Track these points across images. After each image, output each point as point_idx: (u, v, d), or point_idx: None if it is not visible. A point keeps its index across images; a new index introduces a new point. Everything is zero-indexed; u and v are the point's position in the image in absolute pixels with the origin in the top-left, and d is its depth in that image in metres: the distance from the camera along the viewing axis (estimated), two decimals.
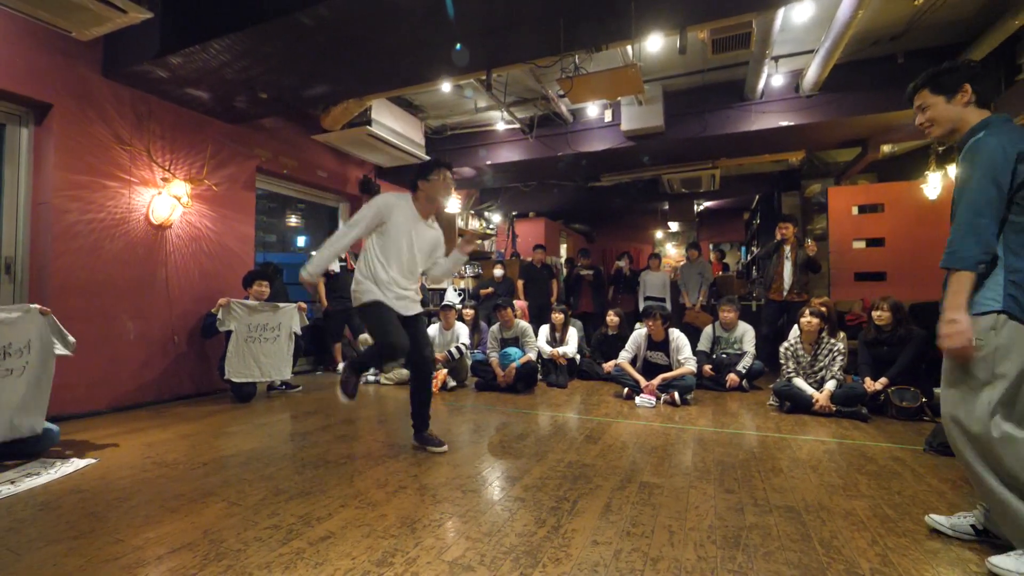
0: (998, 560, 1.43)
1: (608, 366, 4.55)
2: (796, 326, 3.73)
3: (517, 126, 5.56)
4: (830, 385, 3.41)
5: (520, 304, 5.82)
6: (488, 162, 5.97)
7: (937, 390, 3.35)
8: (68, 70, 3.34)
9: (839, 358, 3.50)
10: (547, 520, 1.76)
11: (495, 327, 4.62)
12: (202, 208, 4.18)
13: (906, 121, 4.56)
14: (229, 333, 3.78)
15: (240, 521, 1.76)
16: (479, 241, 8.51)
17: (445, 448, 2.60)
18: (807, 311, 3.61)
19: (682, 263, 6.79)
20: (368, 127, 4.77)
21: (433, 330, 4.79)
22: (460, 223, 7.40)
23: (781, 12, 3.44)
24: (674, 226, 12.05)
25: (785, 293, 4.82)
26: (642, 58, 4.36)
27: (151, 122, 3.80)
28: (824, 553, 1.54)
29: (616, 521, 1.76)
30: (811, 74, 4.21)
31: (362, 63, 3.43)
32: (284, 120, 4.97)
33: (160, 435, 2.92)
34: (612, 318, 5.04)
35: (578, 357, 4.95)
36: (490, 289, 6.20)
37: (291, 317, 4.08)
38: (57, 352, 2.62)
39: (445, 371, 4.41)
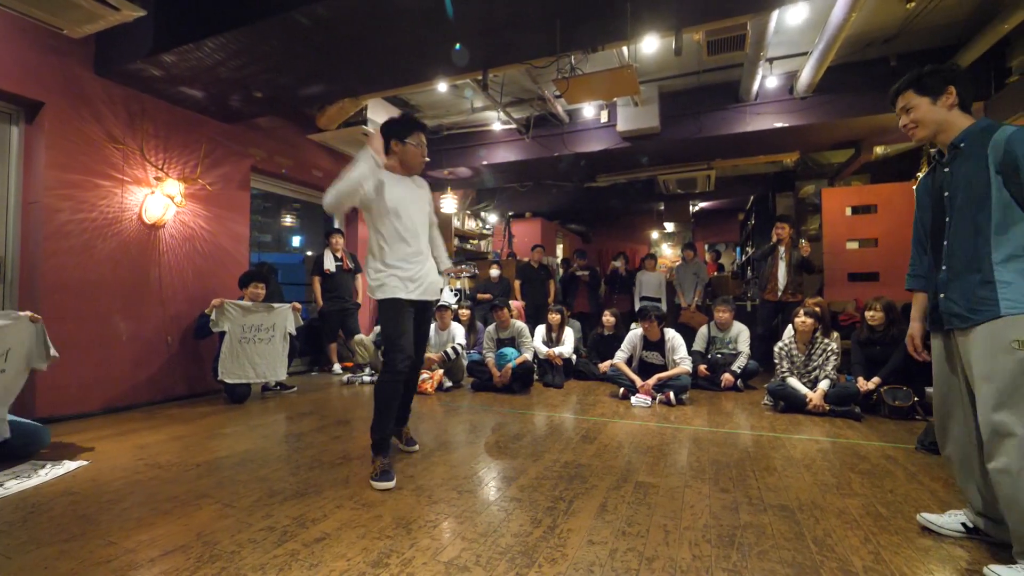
0: (1002, 571, 1.39)
1: (604, 366, 4.57)
2: (790, 326, 3.75)
3: (513, 126, 5.57)
4: (824, 385, 3.44)
5: (516, 304, 5.82)
6: (484, 162, 5.96)
7: (929, 389, 3.39)
8: (60, 68, 3.31)
9: (832, 358, 3.52)
10: (543, 520, 1.76)
11: (491, 327, 4.62)
12: (196, 208, 4.15)
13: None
14: (223, 334, 3.76)
15: (234, 523, 1.75)
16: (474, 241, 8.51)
17: (416, 448, 2.60)
18: (801, 311, 3.63)
19: (678, 263, 6.81)
20: (364, 127, 4.76)
21: (429, 330, 4.79)
22: (456, 223, 7.40)
23: (775, 14, 3.46)
24: (670, 227, 12.08)
25: (780, 293, 4.85)
26: (638, 59, 4.37)
27: (144, 121, 3.77)
28: (818, 551, 1.55)
29: (612, 521, 1.76)
30: (805, 76, 4.24)
31: (358, 63, 3.42)
32: (279, 119, 4.94)
33: (153, 436, 2.89)
34: (608, 318, 5.05)
35: (574, 357, 4.96)
36: (488, 295, 6.19)
37: (285, 318, 4.06)
38: (32, 365, 2.54)
39: (441, 371, 4.40)
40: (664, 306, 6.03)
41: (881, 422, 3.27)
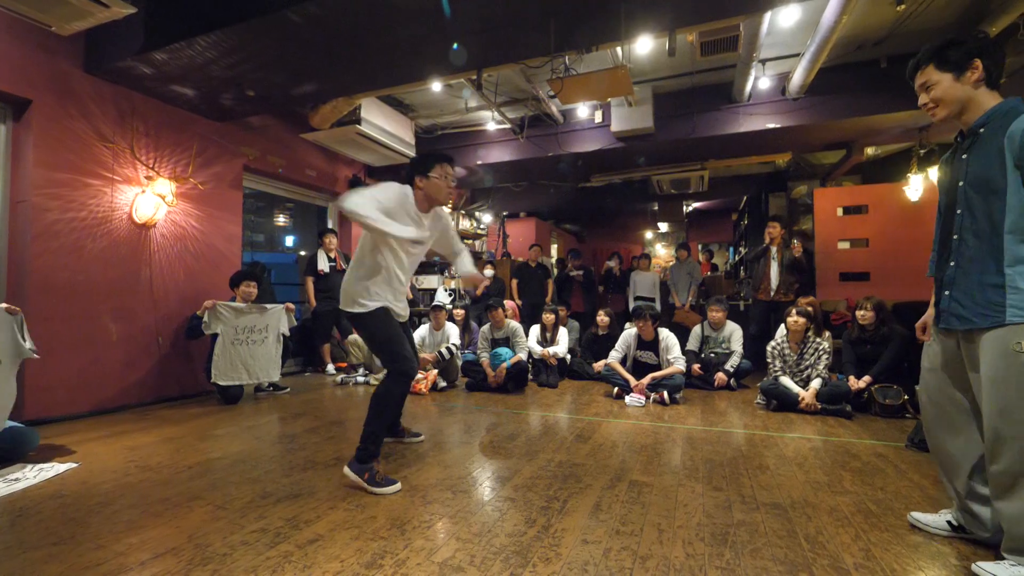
0: (991, 567, 1.39)
1: (598, 366, 4.58)
2: (783, 326, 3.78)
3: (508, 126, 5.56)
4: (815, 383, 3.47)
5: (510, 304, 5.82)
6: (479, 162, 5.96)
7: (919, 387, 3.43)
8: (48, 65, 3.27)
9: (824, 357, 3.55)
10: (537, 520, 1.77)
11: (485, 327, 4.61)
12: (188, 207, 4.11)
13: (889, 124, 4.65)
14: (215, 335, 3.72)
15: (226, 525, 1.74)
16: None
17: (422, 438, 2.69)
18: (794, 311, 3.66)
19: (672, 263, 6.84)
20: (357, 126, 4.73)
21: (423, 330, 4.78)
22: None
23: (768, 16, 3.48)
24: (664, 226, 12.14)
25: (772, 293, 4.88)
26: (632, 60, 4.39)
27: (134, 119, 3.73)
28: (809, 549, 1.56)
29: (606, 520, 1.76)
30: (797, 77, 4.27)
31: (352, 61, 3.40)
32: (272, 118, 4.91)
33: (144, 438, 2.86)
34: (602, 318, 5.06)
35: (569, 357, 4.97)
36: (485, 282, 6.13)
37: (279, 318, 4.03)
38: (23, 357, 2.48)
39: (435, 372, 4.39)
40: (658, 306, 6.06)
41: (872, 420, 3.30)
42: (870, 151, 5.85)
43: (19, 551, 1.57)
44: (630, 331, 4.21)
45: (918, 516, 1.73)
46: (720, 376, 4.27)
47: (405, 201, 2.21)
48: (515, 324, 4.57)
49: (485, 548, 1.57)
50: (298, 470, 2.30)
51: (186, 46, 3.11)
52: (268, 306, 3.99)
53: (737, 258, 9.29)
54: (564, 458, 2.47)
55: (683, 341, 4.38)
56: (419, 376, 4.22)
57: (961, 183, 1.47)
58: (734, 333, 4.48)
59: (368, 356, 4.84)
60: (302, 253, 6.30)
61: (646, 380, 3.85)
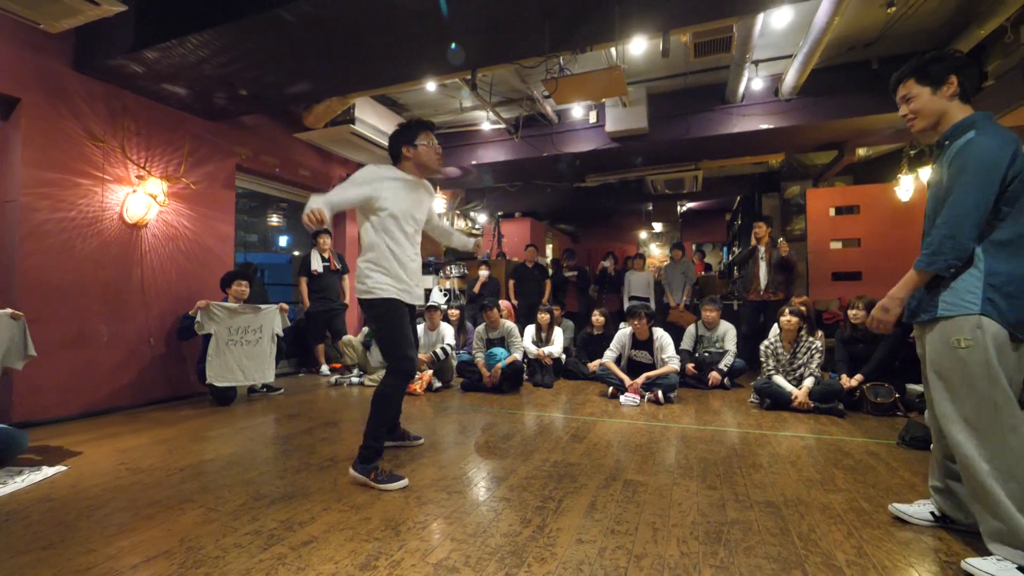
0: (979, 563, 1.41)
1: (593, 365, 4.58)
2: (776, 325, 3.80)
3: (503, 126, 5.56)
4: (808, 382, 3.49)
5: (505, 304, 5.82)
6: (474, 162, 5.95)
7: (910, 386, 3.47)
8: (37, 63, 3.23)
9: (817, 356, 3.58)
10: (532, 520, 1.77)
11: (481, 327, 4.61)
12: (180, 207, 4.08)
13: (880, 125, 4.70)
14: (208, 336, 3.70)
15: (219, 527, 1.72)
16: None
17: (422, 440, 2.68)
18: (787, 310, 3.68)
19: (666, 263, 6.87)
20: (351, 125, 4.72)
21: (419, 331, 4.76)
22: (446, 223, 7.37)
23: (761, 17, 3.50)
24: (658, 227, 12.18)
25: (762, 292, 4.93)
26: (626, 60, 4.40)
27: (125, 118, 3.69)
28: (802, 546, 1.58)
29: (601, 519, 1.77)
30: (790, 78, 4.30)
31: (345, 61, 3.39)
32: (265, 117, 4.88)
33: (135, 440, 2.84)
34: (597, 318, 5.07)
35: (564, 357, 4.97)
36: (483, 277, 6.14)
37: (273, 319, 4.00)
38: (8, 364, 2.47)
39: (430, 372, 4.38)
40: (652, 305, 6.08)
41: (864, 418, 3.33)
42: (862, 152, 5.90)
43: (7, 556, 1.55)
44: (625, 331, 4.22)
45: (900, 507, 1.77)
46: (714, 375, 4.29)
47: (381, 173, 2.21)
48: (510, 324, 4.57)
49: (480, 548, 1.56)
50: (292, 472, 2.29)
51: (178, 44, 3.09)
52: (262, 306, 3.96)
53: (731, 257, 9.34)
54: (559, 458, 2.47)
55: (677, 341, 4.40)
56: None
57: (931, 189, 1.64)
58: (728, 332, 4.50)
59: (362, 356, 4.82)
60: (296, 253, 6.27)
61: (641, 379, 3.86)
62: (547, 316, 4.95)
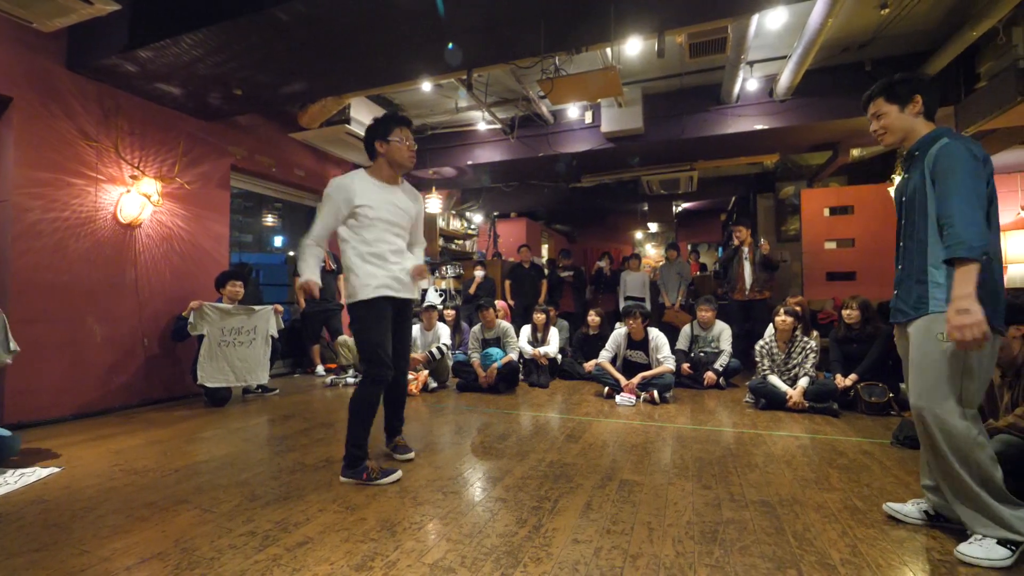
0: (965, 548, 1.49)
1: (589, 366, 4.59)
2: (771, 325, 3.82)
3: (498, 126, 5.56)
4: (803, 382, 3.51)
5: (501, 304, 5.82)
6: (469, 162, 5.95)
7: (904, 385, 3.48)
8: (29, 62, 3.21)
9: (811, 356, 3.60)
10: (528, 520, 1.77)
11: (476, 328, 4.61)
12: (174, 207, 4.06)
13: None
14: (201, 336, 3.68)
15: (214, 528, 1.72)
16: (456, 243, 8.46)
17: (412, 455, 2.47)
18: (782, 310, 3.70)
19: (661, 263, 6.89)
20: (347, 125, 4.71)
21: (415, 331, 4.76)
22: (441, 223, 7.36)
23: (756, 18, 3.52)
24: (653, 227, 12.21)
25: (747, 292, 5.00)
26: (622, 61, 4.41)
27: (119, 117, 3.67)
28: (797, 545, 1.58)
29: (596, 519, 1.77)
30: (784, 79, 4.32)
31: (340, 61, 3.38)
32: (260, 117, 4.86)
33: (129, 441, 2.82)
34: (593, 318, 5.08)
35: (559, 357, 4.98)
36: (479, 278, 6.14)
37: (267, 320, 3.98)
38: None
39: (426, 372, 4.38)
40: (648, 305, 6.10)
41: (858, 418, 3.35)
42: (856, 152, 5.94)
43: (0, 558, 1.54)
44: (620, 331, 4.23)
45: (894, 506, 1.80)
46: (709, 375, 4.31)
47: (345, 182, 2.20)
48: (506, 324, 4.57)
49: (476, 549, 1.56)
50: (287, 472, 2.28)
51: (172, 44, 3.07)
52: (256, 307, 3.95)
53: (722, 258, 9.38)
54: (555, 458, 2.47)
55: (673, 341, 4.41)
56: (410, 377, 4.20)
57: (903, 198, 1.73)
58: (723, 332, 4.52)
59: (358, 357, 4.81)
60: (291, 254, 6.24)
61: (636, 380, 3.87)
62: (542, 316, 4.95)
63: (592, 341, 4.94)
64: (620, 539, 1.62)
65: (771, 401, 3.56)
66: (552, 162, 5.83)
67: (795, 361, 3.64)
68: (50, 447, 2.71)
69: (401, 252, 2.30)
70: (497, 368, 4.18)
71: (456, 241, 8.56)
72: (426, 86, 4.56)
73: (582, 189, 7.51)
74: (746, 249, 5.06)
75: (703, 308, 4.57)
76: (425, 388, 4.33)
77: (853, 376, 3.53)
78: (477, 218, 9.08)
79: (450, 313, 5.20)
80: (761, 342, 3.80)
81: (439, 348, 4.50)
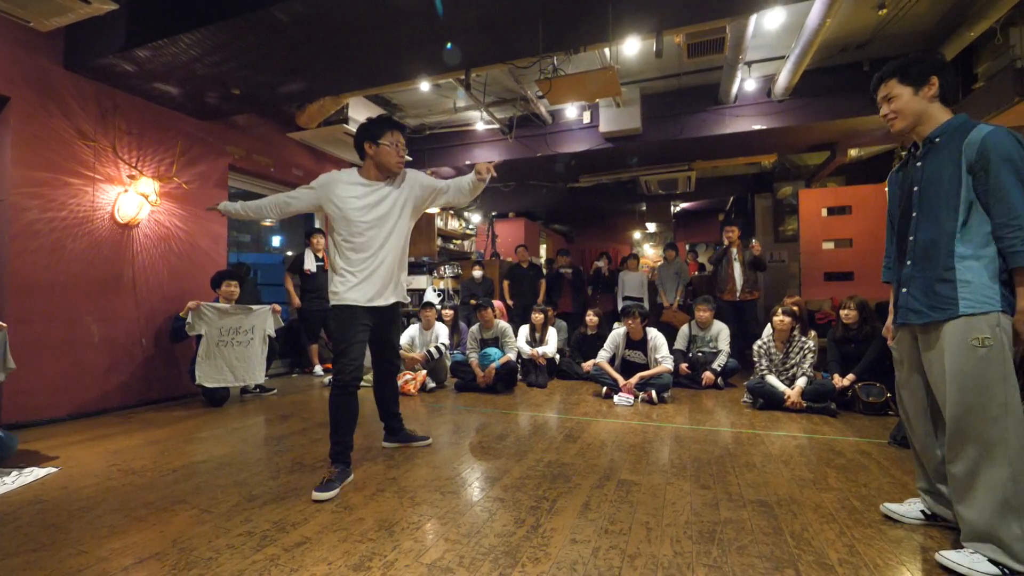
0: (950, 555, 1.45)
1: (587, 365, 4.59)
2: (769, 325, 3.83)
3: (496, 126, 5.56)
4: (801, 382, 3.51)
5: (499, 304, 5.82)
6: (468, 162, 5.95)
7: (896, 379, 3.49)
8: (26, 62, 3.20)
9: (809, 356, 3.60)
10: (526, 520, 1.77)
11: (475, 327, 4.61)
12: (172, 206, 4.05)
13: (872, 126, 4.74)
14: (199, 336, 3.67)
15: (212, 528, 1.71)
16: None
17: (429, 441, 2.68)
18: (780, 310, 3.70)
19: (659, 263, 6.89)
20: (345, 125, 4.70)
21: (413, 330, 4.76)
22: (439, 223, 7.36)
23: (754, 18, 3.53)
24: (652, 227, 12.23)
25: (738, 293, 5.02)
26: (620, 61, 4.41)
27: (117, 117, 3.66)
28: (795, 545, 1.59)
29: (594, 519, 1.77)
30: (782, 79, 4.33)
31: (339, 60, 3.38)
32: (258, 117, 4.85)
33: (127, 442, 2.81)
34: (591, 318, 5.08)
35: (557, 357, 4.98)
36: (478, 279, 6.14)
37: (264, 319, 3.98)
38: None
39: (424, 372, 4.38)
40: (646, 305, 6.10)
41: (856, 418, 3.36)
42: (853, 153, 5.95)
43: None
44: (619, 331, 4.23)
45: (891, 507, 1.79)
46: (708, 375, 4.31)
47: (332, 177, 2.27)
48: (504, 324, 4.57)
49: (474, 549, 1.56)
50: (285, 472, 2.28)
51: (169, 43, 3.06)
52: (253, 307, 3.94)
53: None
54: (553, 458, 2.47)
55: (671, 340, 4.42)
56: (408, 376, 4.21)
57: (916, 188, 1.59)
58: (721, 332, 4.52)
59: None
60: (289, 253, 6.24)
61: (634, 379, 3.87)
62: (541, 316, 4.95)
63: (590, 341, 4.94)
64: (618, 539, 1.62)
65: (769, 401, 3.56)
66: (550, 162, 5.83)
67: (793, 361, 3.65)
68: (47, 447, 2.70)
69: (375, 261, 2.25)
70: (495, 368, 4.18)
71: (454, 241, 8.55)
72: (424, 86, 4.55)
73: (580, 189, 7.51)
74: (735, 250, 5.10)
75: (701, 308, 4.57)
76: (423, 388, 4.33)
77: (851, 376, 3.54)
78: (475, 218, 9.07)
79: (448, 313, 5.20)
80: (759, 342, 3.81)
81: (437, 347, 4.50)
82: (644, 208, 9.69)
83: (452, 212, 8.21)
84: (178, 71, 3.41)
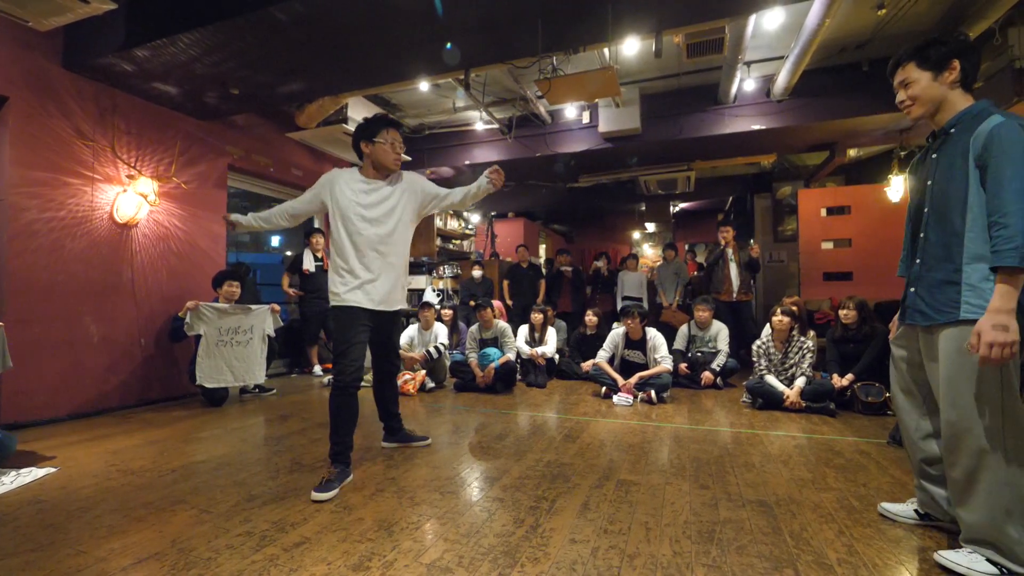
0: (948, 554, 1.44)
1: (586, 365, 4.59)
2: (768, 325, 3.83)
3: (496, 126, 5.56)
4: (800, 382, 3.52)
5: (498, 304, 5.82)
6: (467, 162, 5.95)
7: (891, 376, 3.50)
8: (25, 61, 3.19)
9: (808, 356, 3.61)
10: (525, 520, 1.77)
11: (474, 327, 4.61)
12: (171, 206, 4.05)
13: (871, 127, 4.74)
14: (199, 336, 3.67)
15: (211, 529, 1.71)
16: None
17: (429, 441, 2.69)
18: (779, 310, 3.71)
19: (659, 263, 6.90)
20: (344, 125, 4.70)
21: (412, 330, 4.76)
22: (438, 223, 7.36)
23: (753, 18, 3.53)
24: (651, 227, 12.22)
25: (735, 294, 5.03)
26: (619, 61, 4.41)
27: (115, 117, 3.66)
28: (794, 545, 1.59)
29: (594, 519, 1.77)
30: (781, 79, 4.33)
31: (338, 60, 3.38)
32: (257, 117, 4.85)
33: (126, 442, 2.81)
34: (591, 318, 5.08)
35: (557, 357, 4.98)
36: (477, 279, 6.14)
37: (264, 319, 3.98)
38: None
39: (424, 372, 4.38)
40: (646, 305, 6.10)
41: (855, 418, 3.36)
42: (852, 153, 5.96)
43: None
44: (618, 331, 4.23)
45: (888, 506, 1.79)
46: (707, 375, 4.31)
47: (333, 176, 2.30)
48: (503, 324, 4.57)
49: (473, 549, 1.56)
50: (284, 472, 2.28)
51: (168, 43, 3.06)
52: (253, 307, 3.94)
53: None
54: (552, 458, 2.47)
55: (670, 340, 4.42)
56: (407, 377, 4.21)
57: (929, 182, 1.51)
58: (720, 332, 4.53)
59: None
60: (288, 253, 6.24)
61: (634, 379, 3.88)
62: (540, 316, 4.95)
63: (590, 341, 4.94)
64: (617, 539, 1.62)
65: (768, 401, 3.56)
66: (550, 162, 5.83)
67: (792, 361, 3.65)
68: (46, 447, 2.70)
69: (372, 268, 2.24)
70: (495, 368, 4.18)
71: (453, 241, 8.55)
72: (424, 86, 4.55)
73: (580, 189, 7.51)
74: (730, 251, 5.11)
75: (700, 308, 4.58)
76: (423, 388, 4.33)
77: (850, 376, 3.54)
78: (475, 218, 9.07)
79: (447, 313, 5.19)
80: (758, 342, 3.81)
81: (436, 347, 4.50)
82: (643, 208, 9.69)
83: (452, 212, 8.21)
84: (177, 71, 3.40)
